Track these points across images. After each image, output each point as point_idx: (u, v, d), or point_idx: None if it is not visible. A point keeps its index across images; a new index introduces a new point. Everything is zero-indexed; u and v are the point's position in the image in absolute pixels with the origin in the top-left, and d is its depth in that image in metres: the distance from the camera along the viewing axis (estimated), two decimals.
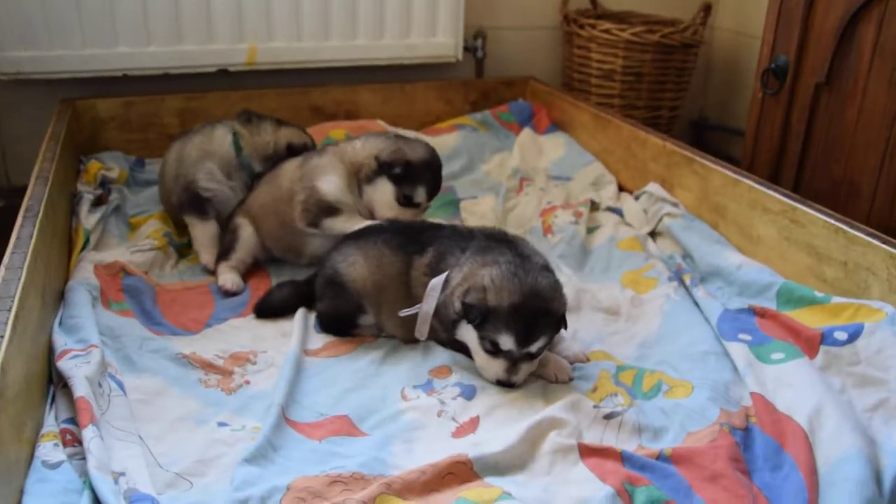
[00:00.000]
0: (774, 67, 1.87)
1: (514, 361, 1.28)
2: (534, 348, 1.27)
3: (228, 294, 1.63)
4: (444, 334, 1.38)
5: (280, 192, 1.74)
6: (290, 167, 1.76)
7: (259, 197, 1.78)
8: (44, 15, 2.07)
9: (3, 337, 1.00)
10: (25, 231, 1.32)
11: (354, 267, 1.46)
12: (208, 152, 1.81)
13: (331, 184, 1.69)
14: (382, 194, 1.69)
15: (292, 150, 1.84)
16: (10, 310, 1.07)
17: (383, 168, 1.68)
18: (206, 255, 1.75)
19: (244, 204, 1.80)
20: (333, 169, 1.71)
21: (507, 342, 1.25)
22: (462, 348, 1.36)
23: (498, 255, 1.32)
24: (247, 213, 1.76)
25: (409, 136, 1.87)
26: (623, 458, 1.12)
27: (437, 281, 1.35)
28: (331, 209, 1.67)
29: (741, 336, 1.38)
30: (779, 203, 1.58)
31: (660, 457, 1.12)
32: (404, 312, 1.37)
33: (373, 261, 1.46)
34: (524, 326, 1.24)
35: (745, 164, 1.98)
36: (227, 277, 1.66)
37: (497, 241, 1.38)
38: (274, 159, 1.83)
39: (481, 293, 1.27)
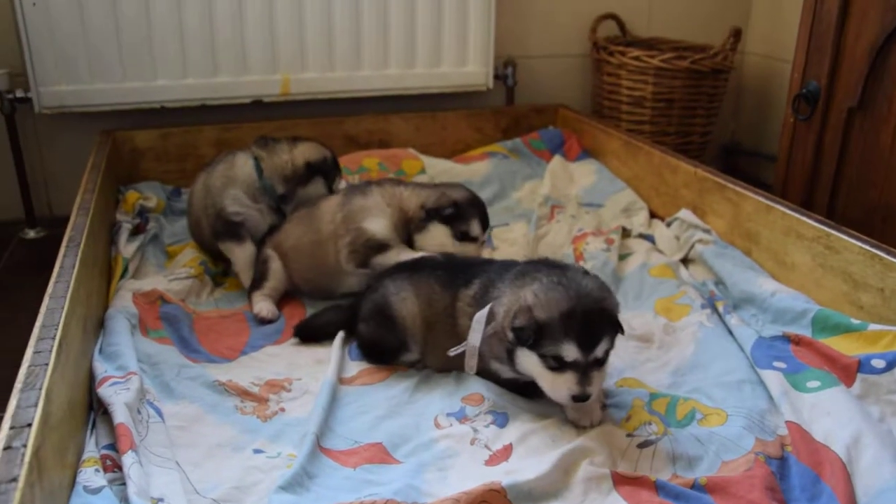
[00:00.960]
0: (806, 93, 1.87)
1: (583, 372, 1.21)
2: (599, 352, 1.22)
3: (264, 322, 1.65)
4: (509, 373, 1.33)
5: (319, 236, 1.73)
6: (329, 208, 1.75)
7: (291, 236, 1.77)
8: (86, 51, 2.14)
9: (47, 365, 1.03)
10: (68, 261, 1.36)
11: (405, 303, 1.45)
12: (232, 178, 1.82)
13: (379, 224, 1.69)
14: (438, 237, 1.70)
15: (312, 168, 1.84)
16: (54, 338, 1.10)
17: (432, 214, 1.70)
18: (248, 277, 1.78)
19: (274, 237, 1.79)
20: (381, 211, 1.71)
21: (569, 351, 1.20)
22: (520, 388, 1.34)
23: (536, 274, 1.29)
24: (277, 248, 1.77)
25: (447, 184, 1.87)
26: (657, 486, 1.11)
27: (482, 314, 1.31)
28: (381, 247, 1.68)
29: (776, 364, 1.37)
30: (813, 229, 1.57)
31: (694, 486, 1.11)
32: (453, 351, 1.34)
33: (424, 297, 1.45)
34: (582, 331, 1.20)
35: (777, 190, 1.97)
36: (262, 306, 1.68)
37: (535, 264, 1.36)
38: (295, 180, 1.84)
39: (527, 312, 1.22)
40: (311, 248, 1.73)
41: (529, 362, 1.25)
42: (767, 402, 1.31)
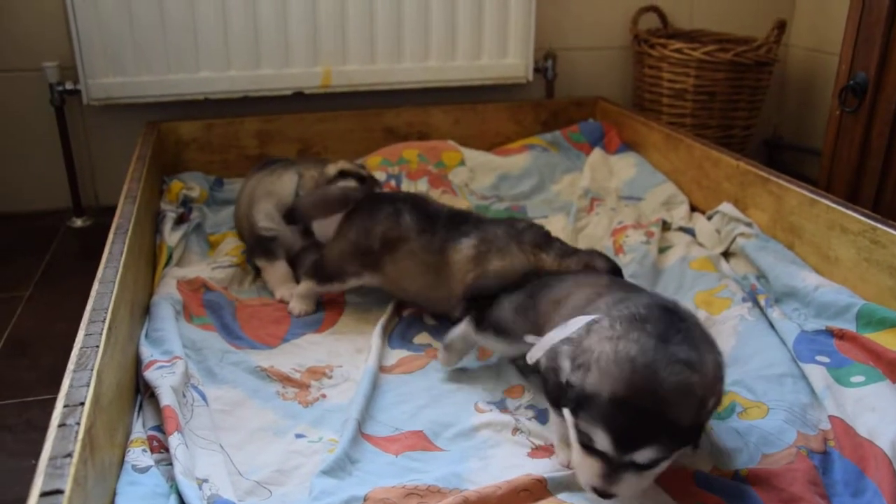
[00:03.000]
0: (853, 84, 1.84)
1: (613, 467, 0.97)
2: (640, 457, 0.95)
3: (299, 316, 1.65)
4: (549, 395, 1.16)
5: (443, 275, 1.54)
6: (463, 256, 1.52)
7: (410, 282, 1.58)
8: (133, 43, 2.18)
9: (98, 347, 1.06)
10: (116, 247, 1.39)
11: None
12: (271, 193, 1.80)
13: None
14: None
15: (345, 175, 1.80)
16: (104, 321, 1.12)
17: None
18: (281, 289, 1.72)
19: (374, 262, 1.60)
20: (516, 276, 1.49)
21: (602, 441, 0.96)
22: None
23: (632, 327, 1.01)
24: (379, 274, 1.62)
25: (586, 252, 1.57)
26: (696, 478, 1.11)
27: (581, 320, 1.09)
28: None
29: (819, 358, 1.35)
30: (858, 223, 1.55)
31: (735, 477, 1.11)
32: (531, 339, 1.20)
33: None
34: (626, 426, 0.95)
35: (821, 184, 1.94)
36: (295, 305, 1.66)
37: (630, 290, 1.17)
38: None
39: (584, 371, 0.99)
40: (431, 289, 1.57)
41: (568, 420, 1.04)
42: (810, 397, 1.30)
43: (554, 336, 1.11)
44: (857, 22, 1.83)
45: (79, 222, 2.35)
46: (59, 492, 0.79)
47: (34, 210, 2.38)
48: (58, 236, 2.26)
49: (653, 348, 0.97)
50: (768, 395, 1.31)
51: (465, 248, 1.52)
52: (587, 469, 0.99)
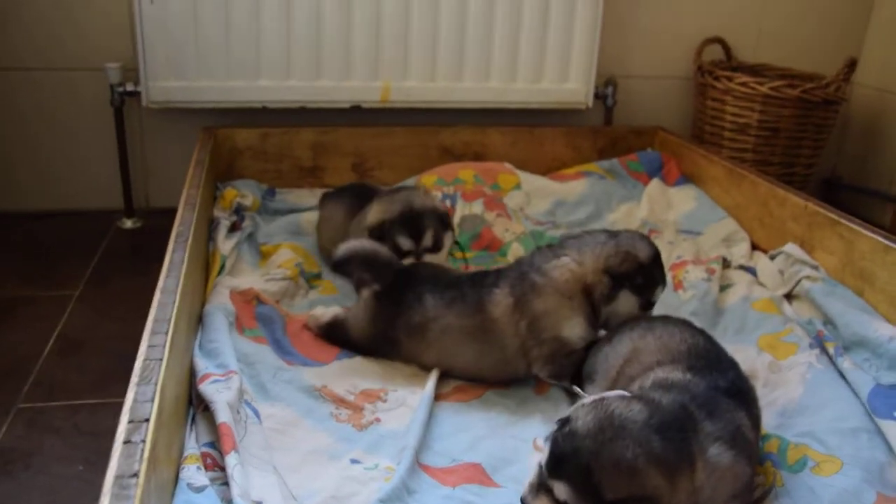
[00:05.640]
0: None
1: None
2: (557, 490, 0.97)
3: None
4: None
5: (502, 353, 1.43)
6: (504, 313, 1.41)
7: (449, 347, 1.45)
8: (196, 49, 2.18)
9: (161, 360, 1.03)
10: (177, 255, 1.37)
11: None
12: (360, 225, 1.75)
13: (578, 328, 1.40)
14: (626, 306, 1.43)
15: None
16: (166, 333, 1.10)
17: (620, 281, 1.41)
18: None
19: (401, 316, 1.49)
20: (571, 310, 1.40)
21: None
22: None
23: (639, 418, 1.00)
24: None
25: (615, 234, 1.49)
26: None
27: (615, 394, 1.07)
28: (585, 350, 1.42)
29: None
30: None
31: None
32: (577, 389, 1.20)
33: None
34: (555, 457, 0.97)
35: (894, 229, 1.88)
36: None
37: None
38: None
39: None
40: (483, 356, 1.44)
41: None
42: (887, 455, 1.23)
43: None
44: None
45: (129, 223, 2.35)
46: None
47: (85, 208, 2.38)
48: (108, 236, 2.26)
49: (634, 435, 0.96)
50: (842, 450, 1.24)
51: (500, 297, 1.42)
52: None
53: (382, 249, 1.58)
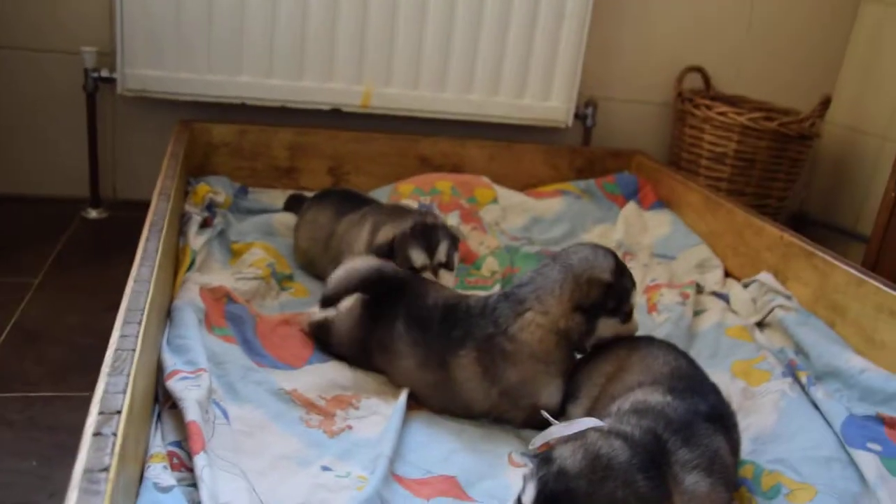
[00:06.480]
0: None
1: None
2: None
3: None
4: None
5: (468, 410, 1.36)
6: (474, 380, 1.33)
7: (409, 371, 1.40)
8: (176, 38, 2.13)
9: (134, 350, 0.99)
10: (151, 245, 1.32)
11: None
12: (350, 245, 1.72)
13: (558, 392, 1.33)
14: (608, 330, 1.37)
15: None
16: (139, 323, 1.06)
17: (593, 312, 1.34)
18: None
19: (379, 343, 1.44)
20: (549, 375, 1.32)
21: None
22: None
23: (609, 451, 0.99)
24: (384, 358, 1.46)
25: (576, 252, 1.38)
26: None
27: (587, 422, 1.07)
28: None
29: (870, 445, 1.29)
30: None
31: None
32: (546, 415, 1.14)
33: None
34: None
35: (868, 265, 1.90)
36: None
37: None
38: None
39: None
40: (447, 403, 1.37)
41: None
42: (860, 485, 1.23)
43: (556, 431, 1.07)
44: None
45: (94, 213, 2.28)
46: None
47: (50, 195, 2.31)
48: (72, 225, 2.19)
49: (620, 476, 0.96)
50: (817, 479, 1.24)
51: (466, 362, 1.32)
52: None
53: (386, 265, 1.51)
